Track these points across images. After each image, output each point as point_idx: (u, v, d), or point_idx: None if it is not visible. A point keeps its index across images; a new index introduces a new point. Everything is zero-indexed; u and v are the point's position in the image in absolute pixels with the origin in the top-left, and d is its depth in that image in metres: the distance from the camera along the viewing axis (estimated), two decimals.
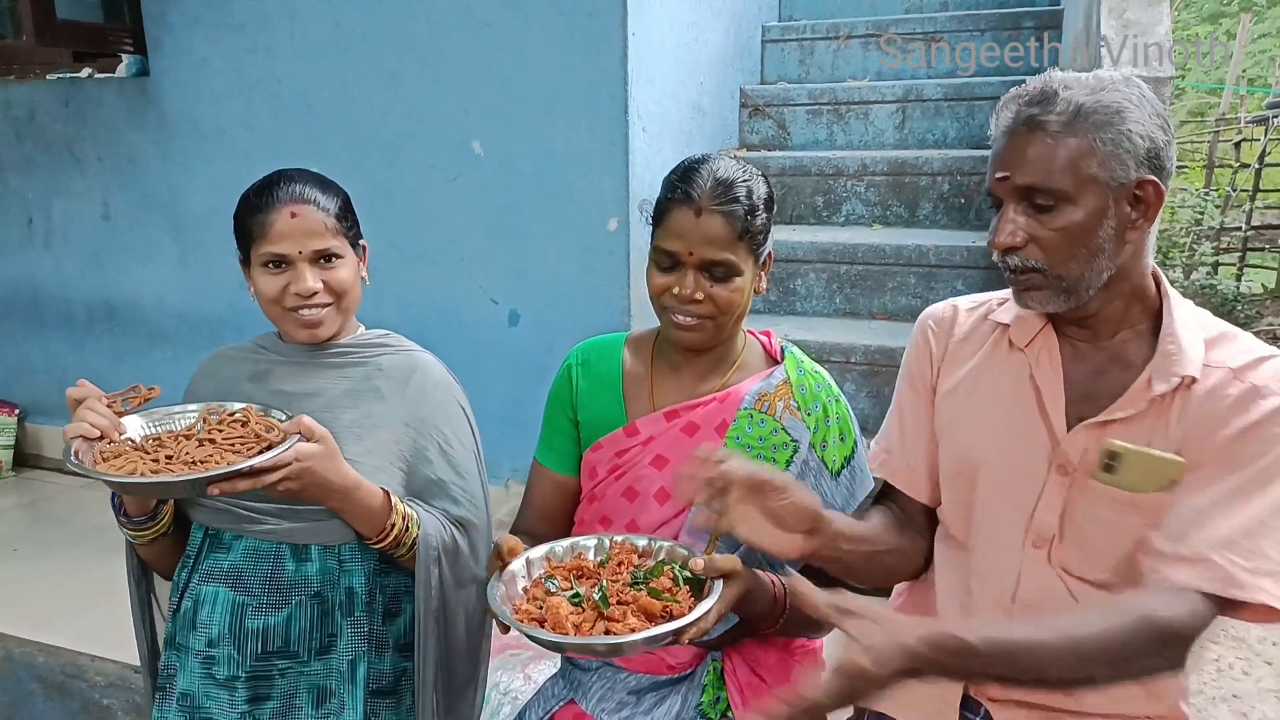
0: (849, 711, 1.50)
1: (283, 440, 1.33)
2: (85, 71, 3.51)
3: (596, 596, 1.18)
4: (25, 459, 3.98)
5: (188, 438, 1.37)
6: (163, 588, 1.62)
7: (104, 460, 1.29)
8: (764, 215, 1.39)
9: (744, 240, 1.36)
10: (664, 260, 1.38)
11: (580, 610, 1.18)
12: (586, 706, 1.47)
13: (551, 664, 2.15)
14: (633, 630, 1.12)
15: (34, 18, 3.26)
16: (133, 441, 1.35)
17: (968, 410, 1.38)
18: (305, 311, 1.47)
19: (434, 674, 1.52)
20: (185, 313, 3.60)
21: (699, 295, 1.36)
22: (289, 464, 1.29)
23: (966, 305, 1.46)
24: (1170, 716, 1.37)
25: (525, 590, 1.25)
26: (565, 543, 1.34)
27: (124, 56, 3.46)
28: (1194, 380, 1.21)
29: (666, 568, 1.25)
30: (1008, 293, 1.40)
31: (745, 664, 1.45)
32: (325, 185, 1.50)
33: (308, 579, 1.46)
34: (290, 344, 1.57)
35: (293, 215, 1.43)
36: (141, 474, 1.26)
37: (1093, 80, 1.19)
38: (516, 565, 1.27)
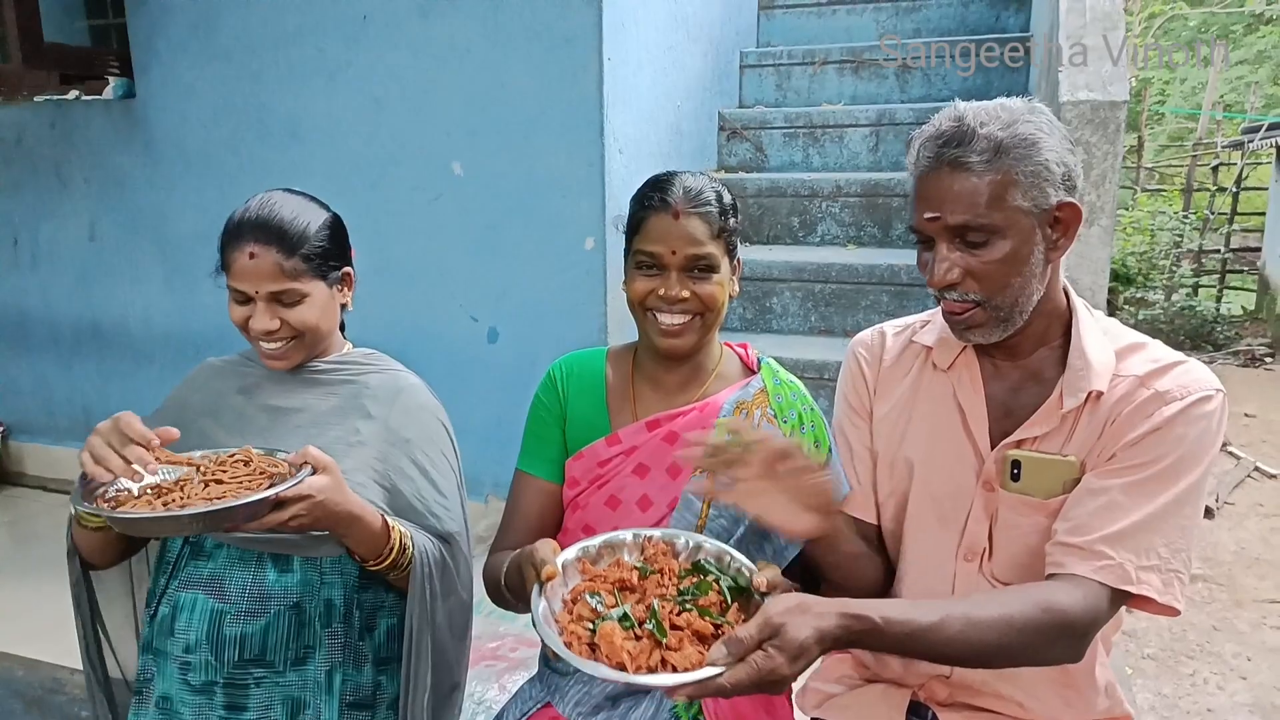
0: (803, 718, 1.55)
1: (288, 476, 1.34)
2: (72, 94, 3.56)
3: (651, 626, 1.11)
4: (8, 476, 4.00)
5: (191, 481, 1.34)
6: (114, 602, 1.63)
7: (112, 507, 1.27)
8: (733, 219, 1.46)
9: (720, 238, 1.43)
10: (645, 264, 1.43)
11: (632, 635, 1.11)
12: (563, 710, 1.49)
13: (527, 673, 2.18)
14: (689, 664, 1.06)
15: (21, 41, 3.31)
16: (129, 492, 1.32)
17: (900, 432, 1.42)
18: (265, 345, 1.50)
19: (426, 689, 1.53)
20: (171, 334, 3.64)
21: (684, 293, 1.40)
22: (305, 497, 1.30)
23: (893, 330, 1.49)
24: (1116, 718, 1.41)
25: (565, 603, 1.18)
26: (598, 540, 1.28)
27: (110, 79, 3.51)
28: (1100, 394, 1.25)
29: (714, 582, 1.21)
30: (932, 313, 1.45)
31: None
32: (298, 220, 1.49)
33: (288, 589, 1.47)
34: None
35: (251, 256, 1.45)
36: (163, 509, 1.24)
37: (1004, 114, 1.21)
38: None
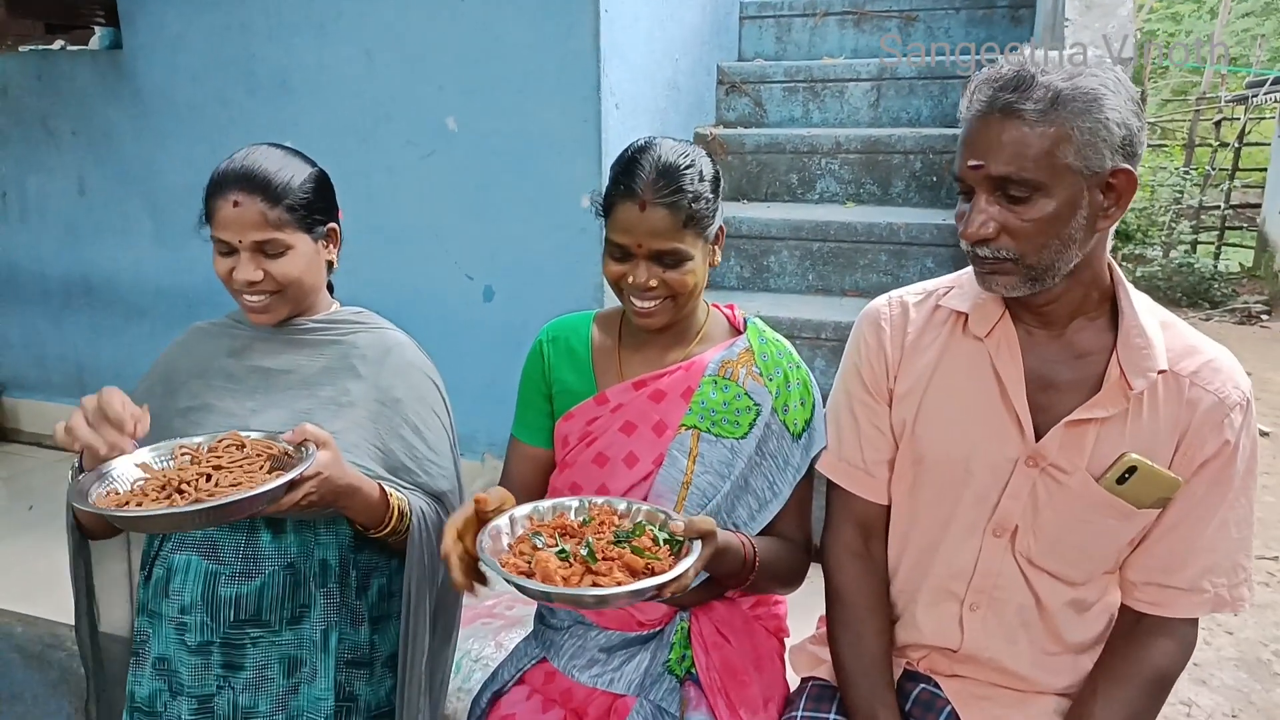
0: (795, 681, 1.56)
1: (287, 455, 1.34)
2: (57, 44, 3.49)
3: (584, 552, 1.21)
4: (3, 433, 4.00)
5: (190, 471, 1.31)
6: (113, 563, 1.62)
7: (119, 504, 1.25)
8: (708, 198, 1.40)
9: (689, 228, 1.38)
10: (615, 251, 1.41)
11: (568, 564, 1.20)
12: (558, 664, 1.52)
13: (523, 631, 2.20)
14: (619, 584, 1.16)
15: None
16: (118, 492, 1.30)
17: (929, 404, 1.37)
18: (248, 298, 1.49)
19: (425, 649, 1.55)
20: (163, 288, 3.61)
21: (652, 283, 1.39)
22: (314, 475, 1.30)
23: (914, 299, 1.42)
24: None
25: (510, 546, 1.27)
26: (548, 503, 1.36)
27: (96, 29, 3.44)
28: (1162, 372, 1.23)
29: (647, 529, 1.28)
30: (954, 278, 1.40)
31: (711, 623, 1.50)
32: (283, 171, 1.49)
33: (282, 550, 1.48)
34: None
35: (235, 204, 1.44)
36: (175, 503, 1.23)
37: (1069, 65, 1.14)
38: (501, 522, 1.29)
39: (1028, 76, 1.13)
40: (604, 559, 1.21)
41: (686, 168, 1.38)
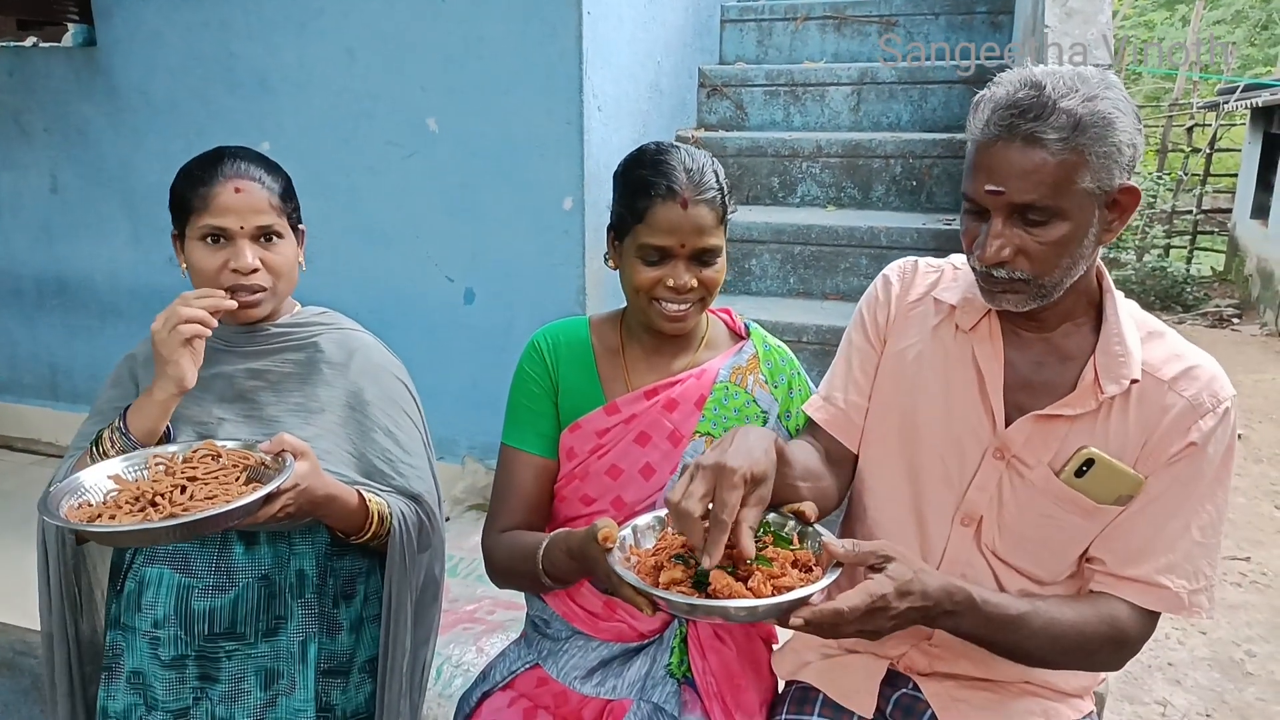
0: (780, 684, 1.57)
1: (264, 465, 1.32)
2: (30, 40, 3.44)
3: (755, 562, 1.13)
4: None
5: (164, 483, 1.29)
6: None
7: (89, 519, 1.22)
8: (731, 195, 1.44)
9: (724, 223, 1.42)
10: (652, 256, 1.40)
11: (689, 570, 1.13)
12: (555, 673, 1.51)
13: (505, 636, 2.19)
14: (776, 593, 1.09)
15: None
16: (90, 504, 1.27)
17: (910, 377, 1.40)
18: (242, 292, 1.44)
19: (406, 652, 1.53)
20: (138, 288, 3.56)
21: (693, 282, 1.39)
22: (291, 486, 1.28)
23: (924, 269, 1.45)
24: (1082, 691, 1.44)
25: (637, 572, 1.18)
26: (643, 521, 1.29)
27: (70, 26, 3.39)
28: (1135, 381, 1.25)
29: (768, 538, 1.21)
30: (960, 263, 1.42)
31: (709, 627, 1.50)
32: (270, 165, 1.49)
33: (256, 562, 1.46)
34: (228, 325, 1.53)
35: (237, 190, 1.42)
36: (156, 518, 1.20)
37: (1081, 85, 1.14)
38: (625, 533, 1.23)
39: (1048, 102, 1.13)
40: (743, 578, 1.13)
41: (709, 166, 1.41)
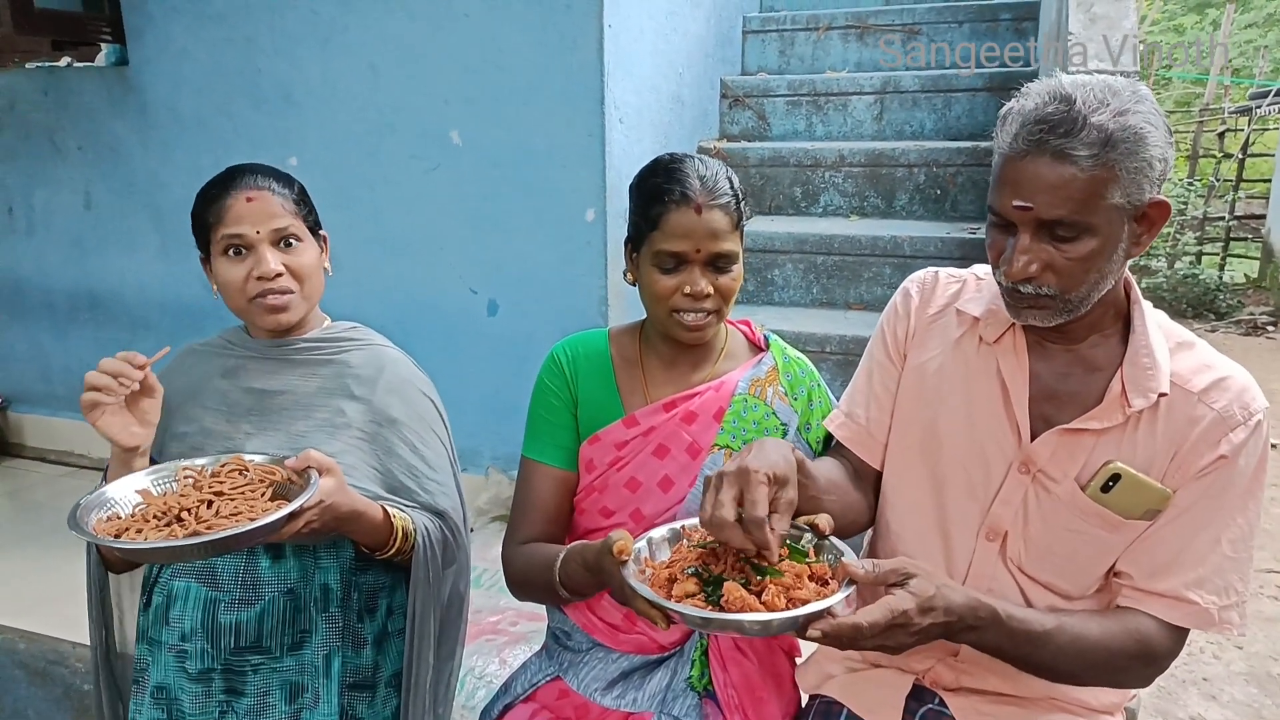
0: (804, 698, 1.55)
1: (290, 481, 1.33)
2: (64, 60, 3.51)
3: (764, 575, 1.13)
4: (7, 448, 3.99)
5: (191, 498, 1.30)
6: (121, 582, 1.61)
7: (117, 533, 1.23)
8: (744, 199, 1.44)
9: (739, 229, 1.41)
10: (668, 263, 1.39)
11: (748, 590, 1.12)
12: (576, 685, 1.50)
13: (528, 647, 2.19)
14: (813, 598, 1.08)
15: (12, 6, 3.26)
16: (119, 517, 1.29)
17: (932, 390, 1.38)
18: (271, 297, 1.47)
19: (430, 667, 1.53)
20: (167, 302, 3.61)
21: (709, 289, 1.39)
22: (315, 505, 1.28)
23: (945, 279, 1.44)
24: (1112, 707, 1.42)
25: (650, 584, 1.17)
26: (674, 526, 1.29)
27: (103, 45, 3.46)
28: (1164, 394, 1.22)
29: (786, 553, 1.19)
30: (984, 274, 1.40)
31: (730, 639, 1.49)
32: (281, 175, 1.52)
33: (281, 576, 1.47)
34: (257, 339, 1.56)
35: (249, 200, 1.45)
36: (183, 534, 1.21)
37: (1112, 99, 1.12)
38: (640, 544, 1.23)
39: (1079, 118, 1.11)
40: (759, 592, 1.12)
41: (724, 173, 1.42)
